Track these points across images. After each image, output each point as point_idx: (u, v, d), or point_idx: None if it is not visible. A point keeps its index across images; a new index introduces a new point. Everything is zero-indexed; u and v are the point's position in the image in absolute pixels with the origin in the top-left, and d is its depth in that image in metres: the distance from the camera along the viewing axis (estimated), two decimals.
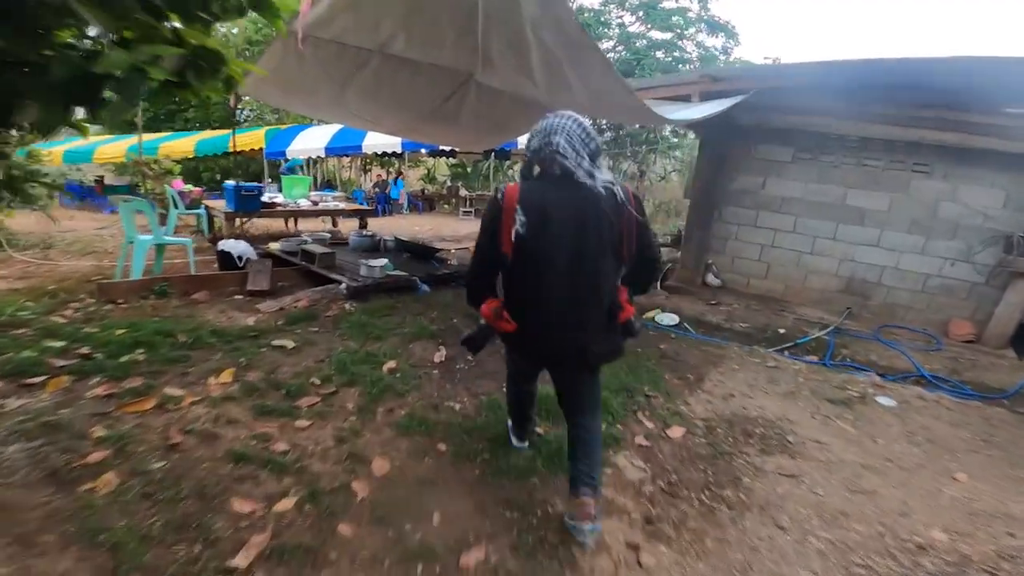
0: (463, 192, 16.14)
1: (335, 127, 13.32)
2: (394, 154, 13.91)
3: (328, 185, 14.51)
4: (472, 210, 14.10)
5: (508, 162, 17.63)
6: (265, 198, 7.86)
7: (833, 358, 4.47)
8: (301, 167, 14.09)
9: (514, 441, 2.53)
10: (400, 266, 5.82)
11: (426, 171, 19.35)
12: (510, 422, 2.53)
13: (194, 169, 17.46)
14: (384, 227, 10.54)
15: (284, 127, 14.04)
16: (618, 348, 1.96)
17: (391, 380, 3.22)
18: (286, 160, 13.19)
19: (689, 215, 6.71)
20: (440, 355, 3.70)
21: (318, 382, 3.12)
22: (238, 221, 7.25)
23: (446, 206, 16.38)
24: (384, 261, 5.52)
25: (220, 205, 7.34)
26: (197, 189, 7.11)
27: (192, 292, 4.81)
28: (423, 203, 15.98)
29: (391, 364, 3.45)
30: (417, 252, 6.68)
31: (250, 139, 12.87)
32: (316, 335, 3.93)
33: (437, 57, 4.07)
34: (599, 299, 1.83)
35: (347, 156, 16.46)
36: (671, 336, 4.79)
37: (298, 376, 3.19)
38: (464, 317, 4.55)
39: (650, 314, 5.32)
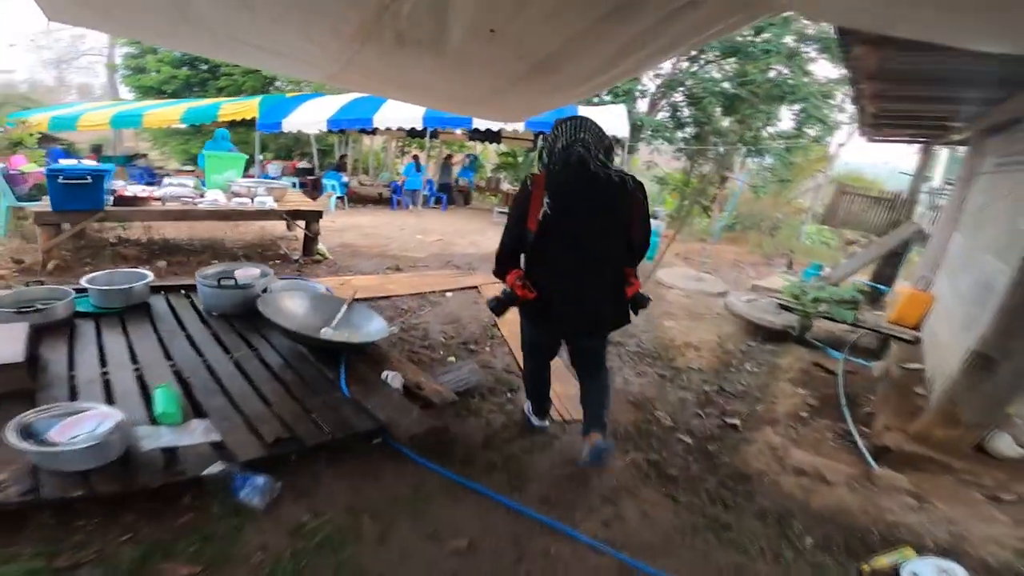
0: (505, 186, 12.74)
1: (346, 97, 10.33)
2: (413, 131, 10.67)
3: (337, 168, 11.54)
4: (507, 211, 10.60)
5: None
6: (136, 189, 4.86)
7: None
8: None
9: (535, 421, 2.64)
10: (244, 403, 2.46)
11: (471, 158, 16.01)
12: (529, 404, 2.65)
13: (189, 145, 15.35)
14: (378, 233, 7.54)
15: (292, 95, 11.30)
16: (625, 316, 2.19)
17: None
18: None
19: (1003, 317, 2.63)
20: None
21: None
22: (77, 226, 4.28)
23: (492, 198, 13.02)
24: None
25: None
26: (38, 172, 4.43)
27: None
28: (461, 196, 12.58)
29: None
30: (322, 349, 2.79)
31: (241, 108, 10.12)
32: None
33: None
34: (610, 274, 2.09)
35: (364, 132, 13.49)
36: None
37: None
38: None
39: (889, 558, 1.81)
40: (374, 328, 2.93)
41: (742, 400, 3.49)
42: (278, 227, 6.46)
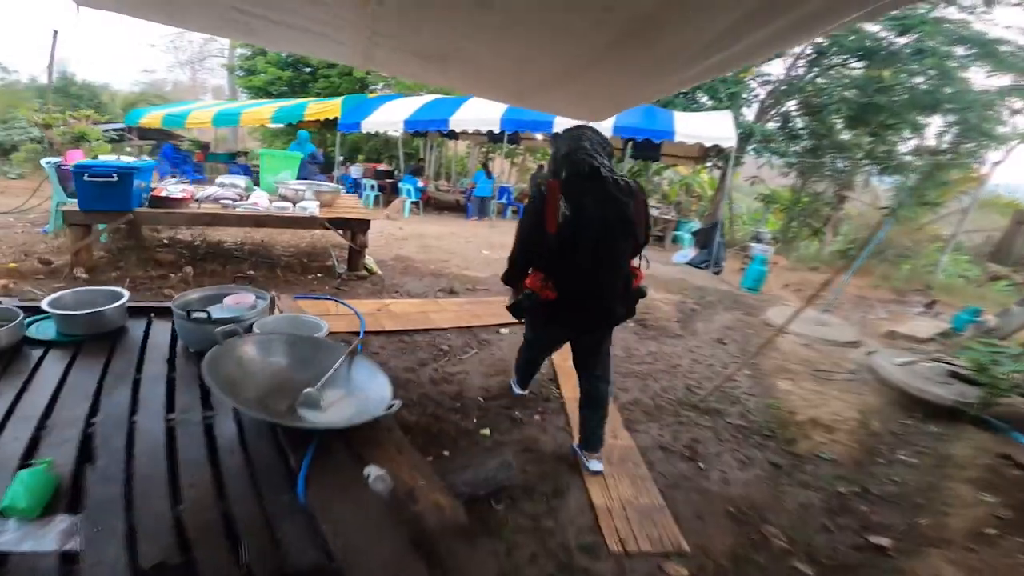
0: None
1: (427, 98, 9.93)
2: (491, 135, 9.98)
3: (414, 172, 11.13)
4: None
5: (657, 164, 12.75)
6: (172, 187, 4.46)
7: None
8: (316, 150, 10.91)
9: (516, 389, 2.94)
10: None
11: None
12: (516, 377, 2.92)
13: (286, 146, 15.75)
14: (440, 246, 6.89)
15: (374, 95, 11.09)
16: (632, 309, 2.28)
17: None
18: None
19: None
20: None
21: None
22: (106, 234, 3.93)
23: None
24: None
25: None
26: None
27: None
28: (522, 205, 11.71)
29: None
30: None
31: (325, 108, 10.02)
32: None
33: None
34: (620, 272, 2.18)
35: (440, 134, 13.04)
36: None
37: None
38: None
39: None
40: (371, 396, 2.11)
41: (895, 508, 2.41)
42: (335, 234, 5.98)
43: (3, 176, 4.68)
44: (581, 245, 2.07)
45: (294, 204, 4.46)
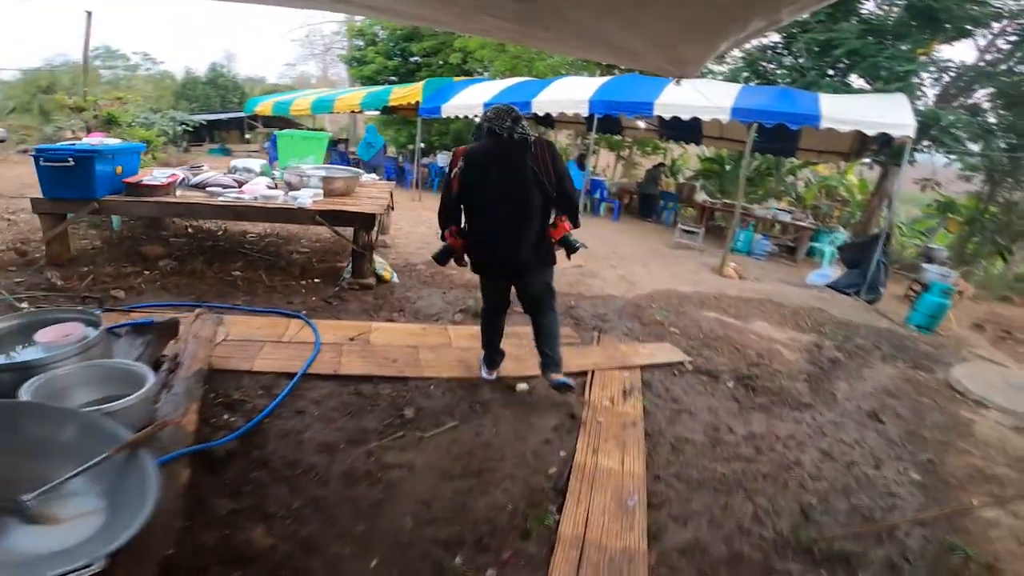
0: (701, 196, 9.77)
1: (509, 81, 8.86)
2: (577, 119, 8.58)
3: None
4: (701, 228, 7.77)
5: (790, 160, 10.38)
6: (185, 175, 3.76)
7: None
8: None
9: (484, 373, 2.75)
10: None
11: (669, 161, 13.11)
12: (483, 354, 2.75)
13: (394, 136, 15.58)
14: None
15: (458, 79, 10.21)
16: (548, 255, 2.44)
17: None
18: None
19: None
20: None
21: None
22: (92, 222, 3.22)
23: (690, 210, 10.22)
24: None
25: None
26: None
27: None
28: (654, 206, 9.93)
29: None
30: None
31: (407, 93, 9.34)
32: None
33: None
34: (529, 221, 2.30)
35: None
36: None
37: None
38: None
39: None
40: (125, 519, 1.05)
41: None
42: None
43: None
44: (479, 200, 2.31)
45: (289, 191, 3.58)
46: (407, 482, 1.94)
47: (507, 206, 2.27)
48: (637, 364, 3.15)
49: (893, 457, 2.60)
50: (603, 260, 5.71)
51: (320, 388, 2.42)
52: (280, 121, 14.86)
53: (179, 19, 47.80)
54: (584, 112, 7.04)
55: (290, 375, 2.44)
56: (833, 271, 6.52)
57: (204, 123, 13.48)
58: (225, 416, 2.13)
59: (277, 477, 1.87)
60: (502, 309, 2.62)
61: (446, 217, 2.41)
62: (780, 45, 9.43)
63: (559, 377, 2.46)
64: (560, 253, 2.46)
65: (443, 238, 2.45)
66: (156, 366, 2.01)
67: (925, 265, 6.15)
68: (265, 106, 13.56)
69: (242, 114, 16.31)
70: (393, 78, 15.78)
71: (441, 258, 2.47)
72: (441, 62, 14.66)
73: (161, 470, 1.23)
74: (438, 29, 10.42)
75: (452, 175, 2.28)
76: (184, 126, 8.81)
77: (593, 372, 2.97)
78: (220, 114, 17.73)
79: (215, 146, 16.32)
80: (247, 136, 17.19)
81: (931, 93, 9.34)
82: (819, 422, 2.86)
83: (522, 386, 2.73)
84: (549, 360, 2.52)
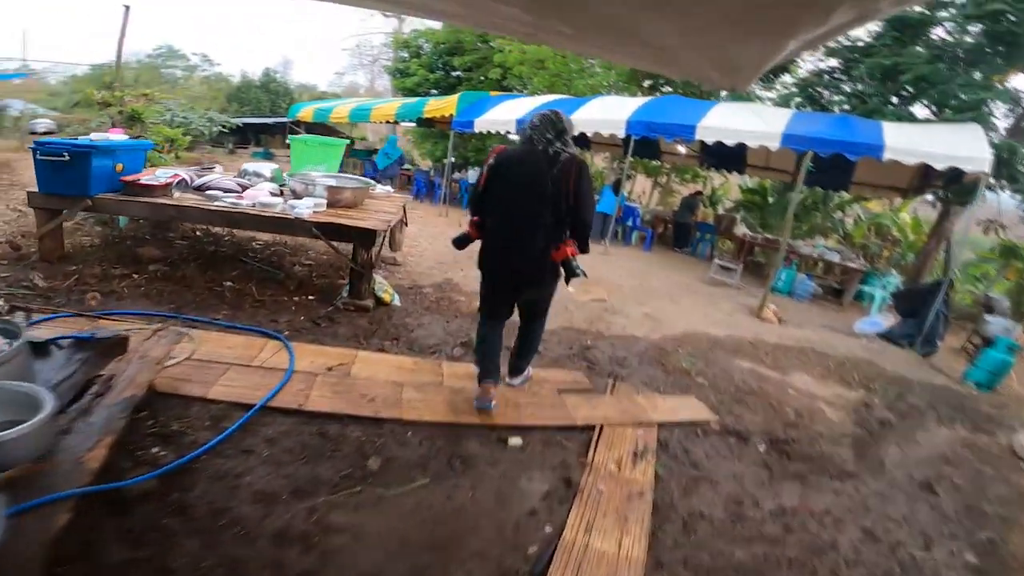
0: (741, 229, 9.19)
1: (545, 98, 8.58)
2: (614, 140, 8.18)
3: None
4: (740, 264, 7.24)
5: (839, 194, 9.67)
6: (190, 176, 3.58)
7: None
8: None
9: (476, 401, 2.50)
10: None
11: (709, 190, 12.49)
12: (477, 369, 2.57)
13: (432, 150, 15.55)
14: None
15: (495, 94, 9.98)
16: (545, 272, 2.40)
17: None
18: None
19: None
20: None
21: None
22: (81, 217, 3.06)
23: (723, 244, 9.77)
24: None
25: None
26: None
27: None
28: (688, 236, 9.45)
29: None
30: None
31: (442, 105, 9.20)
32: None
33: None
34: (533, 235, 2.30)
35: None
36: None
37: None
38: None
39: None
40: None
41: None
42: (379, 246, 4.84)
43: None
44: (495, 203, 2.37)
45: (293, 199, 3.34)
46: (349, 552, 1.59)
47: (517, 216, 2.31)
48: (654, 421, 2.73)
49: (947, 535, 2.20)
50: (629, 294, 5.28)
51: (278, 424, 2.11)
52: (321, 127, 15.04)
53: (242, 23, 50.13)
54: (621, 133, 6.67)
55: (247, 406, 2.14)
56: (884, 318, 5.90)
57: (240, 125, 13.67)
58: (154, 450, 1.83)
59: (193, 528, 1.56)
60: (496, 315, 2.55)
61: (474, 207, 2.49)
62: (838, 70, 8.87)
63: (515, 380, 2.72)
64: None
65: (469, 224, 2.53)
66: (85, 388, 1.74)
67: (987, 317, 5.47)
68: (307, 112, 13.74)
69: (286, 119, 16.64)
70: (434, 91, 15.79)
71: (459, 242, 2.53)
72: (482, 77, 14.59)
73: (31, 514, 1.14)
74: (458, 25, 10.18)
75: (484, 169, 2.36)
76: (221, 127, 8.88)
77: (601, 427, 2.57)
78: (266, 118, 18.12)
79: (259, 149, 16.65)
80: (288, 140, 17.51)
81: (1001, 125, 8.59)
82: (863, 494, 2.44)
83: (515, 440, 2.35)
84: (515, 368, 2.72)
